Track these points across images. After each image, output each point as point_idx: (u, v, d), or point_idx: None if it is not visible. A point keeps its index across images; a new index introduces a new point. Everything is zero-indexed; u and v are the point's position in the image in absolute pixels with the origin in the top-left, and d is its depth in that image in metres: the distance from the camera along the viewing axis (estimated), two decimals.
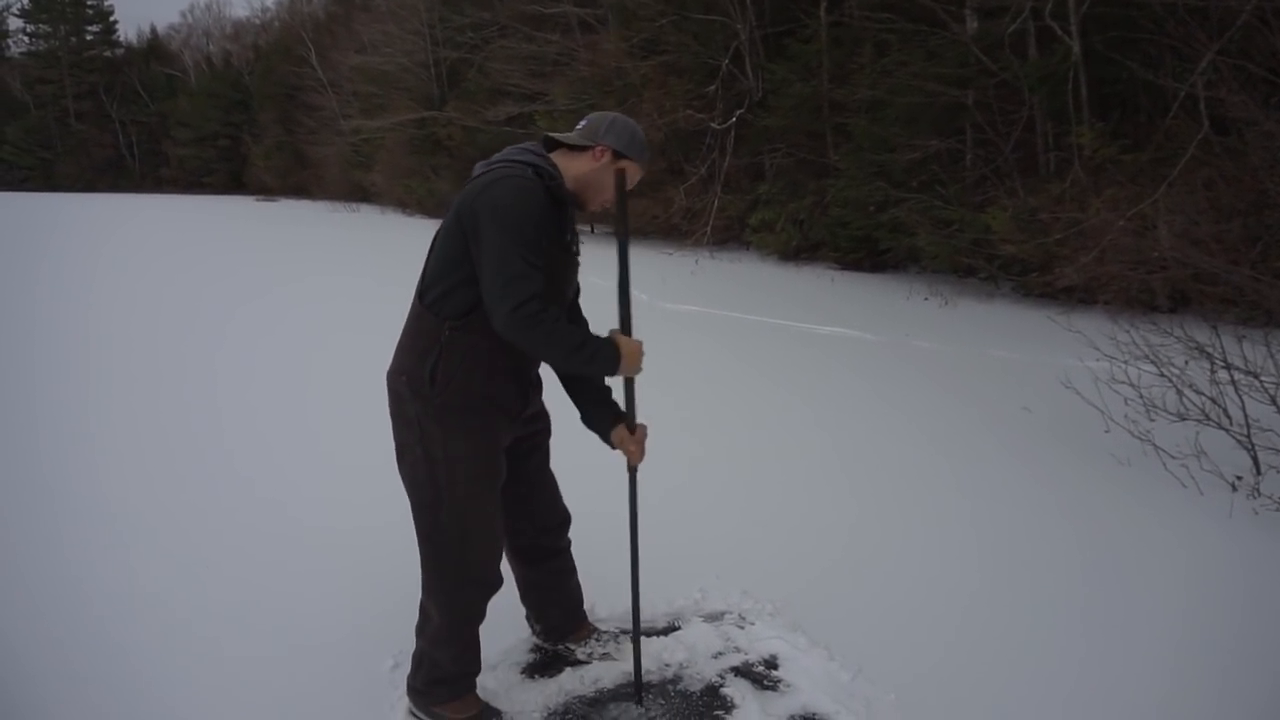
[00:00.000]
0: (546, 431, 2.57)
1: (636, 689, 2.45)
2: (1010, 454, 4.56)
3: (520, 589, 2.66)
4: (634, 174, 2.34)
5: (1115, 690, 2.58)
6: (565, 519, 2.64)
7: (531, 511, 2.54)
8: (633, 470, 2.39)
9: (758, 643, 2.74)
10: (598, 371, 2.26)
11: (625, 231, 2.21)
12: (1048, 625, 2.93)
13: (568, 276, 2.33)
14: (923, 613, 2.97)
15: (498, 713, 2.40)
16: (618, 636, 2.73)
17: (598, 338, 2.21)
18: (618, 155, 2.29)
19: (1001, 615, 2.98)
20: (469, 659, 2.39)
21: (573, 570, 2.70)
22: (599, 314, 2.48)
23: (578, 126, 2.35)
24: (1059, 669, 2.68)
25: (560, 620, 2.72)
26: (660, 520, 2.77)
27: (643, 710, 2.42)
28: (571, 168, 2.29)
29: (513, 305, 2.02)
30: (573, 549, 2.67)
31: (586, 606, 2.78)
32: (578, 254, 2.38)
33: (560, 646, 2.71)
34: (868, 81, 10.71)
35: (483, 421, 2.23)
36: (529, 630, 2.78)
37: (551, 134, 2.35)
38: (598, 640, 2.71)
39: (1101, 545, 3.52)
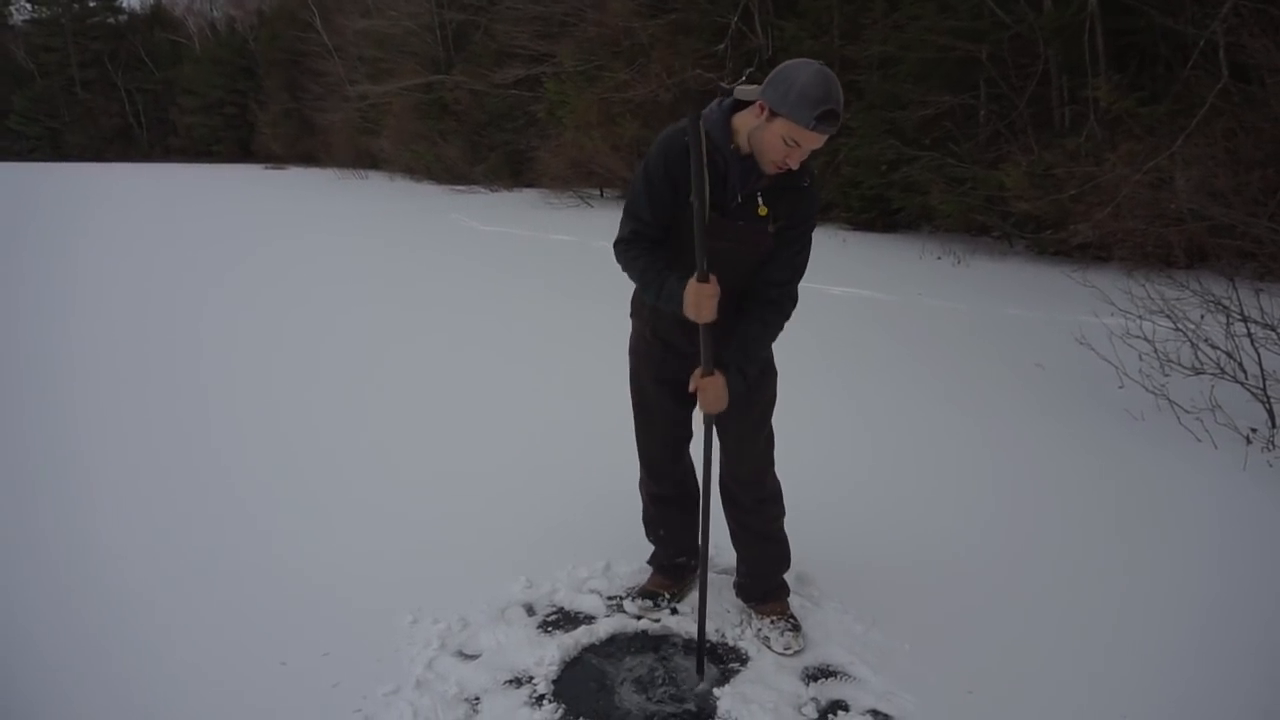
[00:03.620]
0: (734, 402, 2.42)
1: (699, 663, 2.44)
2: (1023, 410, 4.54)
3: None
4: (796, 136, 2.07)
5: (1128, 642, 2.59)
6: (750, 477, 2.56)
7: (724, 453, 2.55)
8: (705, 418, 2.32)
9: None
10: (667, 308, 2.22)
11: (701, 186, 2.07)
12: (1061, 579, 2.94)
13: (718, 236, 2.17)
14: (936, 566, 2.98)
15: (655, 597, 2.72)
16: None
17: (670, 276, 2.20)
18: (774, 113, 2.09)
19: (1014, 569, 2.99)
20: (651, 535, 2.78)
21: (769, 537, 2.63)
22: None
23: None
24: (1072, 621, 2.69)
25: (746, 581, 2.68)
26: None
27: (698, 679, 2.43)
28: (743, 124, 2.18)
29: (614, 245, 2.33)
30: None
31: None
32: (750, 219, 2.23)
33: (745, 611, 2.69)
34: (879, 37, 10.53)
35: (646, 349, 2.50)
36: (548, 586, 2.83)
37: (744, 86, 2.21)
38: (774, 624, 2.57)
39: (1115, 499, 3.52)
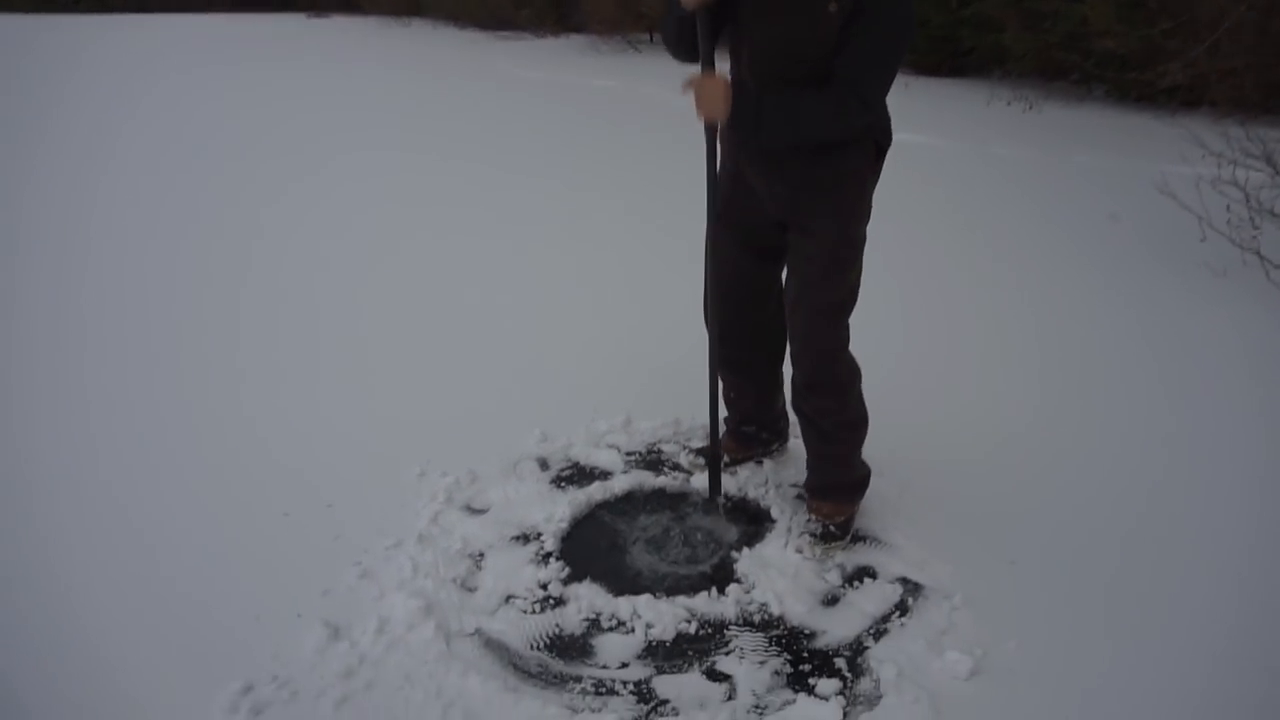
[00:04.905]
0: (801, 250, 2.09)
1: (712, 493, 2.34)
2: (1092, 264, 4.18)
3: None
4: None
5: (1196, 510, 2.37)
6: (799, 345, 2.16)
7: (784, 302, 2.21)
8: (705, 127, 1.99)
9: (801, 458, 2.57)
10: (677, 12, 1.91)
11: None
12: (1122, 442, 2.70)
13: (763, 14, 1.88)
14: (981, 433, 2.74)
15: (714, 457, 2.33)
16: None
17: None
18: None
19: (1070, 432, 2.76)
20: (724, 395, 2.45)
21: (820, 432, 2.21)
22: None
23: None
24: (1135, 488, 2.46)
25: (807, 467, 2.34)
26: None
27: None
28: None
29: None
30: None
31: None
32: None
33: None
34: None
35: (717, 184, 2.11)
36: (564, 440, 2.69)
37: None
38: (811, 523, 2.24)
39: (1187, 358, 3.22)
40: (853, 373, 2.18)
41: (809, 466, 2.30)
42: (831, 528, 2.21)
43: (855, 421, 2.21)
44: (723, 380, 2.43)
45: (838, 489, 2.26)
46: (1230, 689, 1.81)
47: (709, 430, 2.30)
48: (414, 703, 1.76)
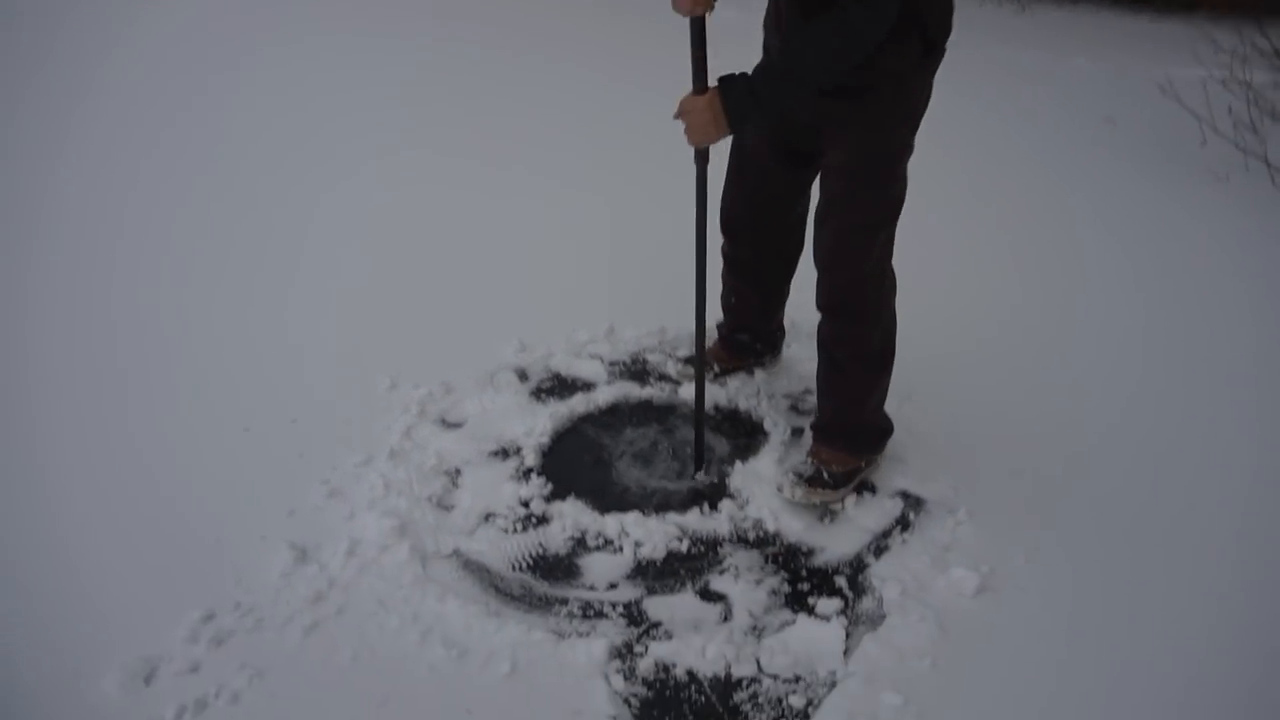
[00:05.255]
0: (830, 162, 1.90)
1: (697, 456, 2.11)
2: (1086, 168, 4.01)
3: None
4: None
5: (1198, 420, 2.29)
6: (822, 271, 1.98)
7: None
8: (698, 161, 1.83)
9: (798, 364, 2.46)
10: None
11: None
12: (1123, 351, 2.61)
13: None
14: (981, 342, 2.62)
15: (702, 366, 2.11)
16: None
17: None
18: None
19: (1071, 342, 2.65)
20: (723, 300, 2.35)
21: (831, 361, 2.01)
22: None
23: None
24: (1137, 398, 2.38)
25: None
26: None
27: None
28: None
29: None
30: None
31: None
32: None
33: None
34: None
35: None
36: (543, 350, 2.53)
37: None
38: (803, 464, 2.03)
39: (1187, 264, 3.11)
40: (882, 299, 1.98)
41: (818, 403, 2.09)
42: (825, 474, 1.98)
43: (873, 355, 2.00)
44: (724, 283, 2.30)
45: (844, 434, 2.02)
46: (1242, 598, 1.75)
47: (695, 409, 2.10)
48: (389, 629, 1.65)
